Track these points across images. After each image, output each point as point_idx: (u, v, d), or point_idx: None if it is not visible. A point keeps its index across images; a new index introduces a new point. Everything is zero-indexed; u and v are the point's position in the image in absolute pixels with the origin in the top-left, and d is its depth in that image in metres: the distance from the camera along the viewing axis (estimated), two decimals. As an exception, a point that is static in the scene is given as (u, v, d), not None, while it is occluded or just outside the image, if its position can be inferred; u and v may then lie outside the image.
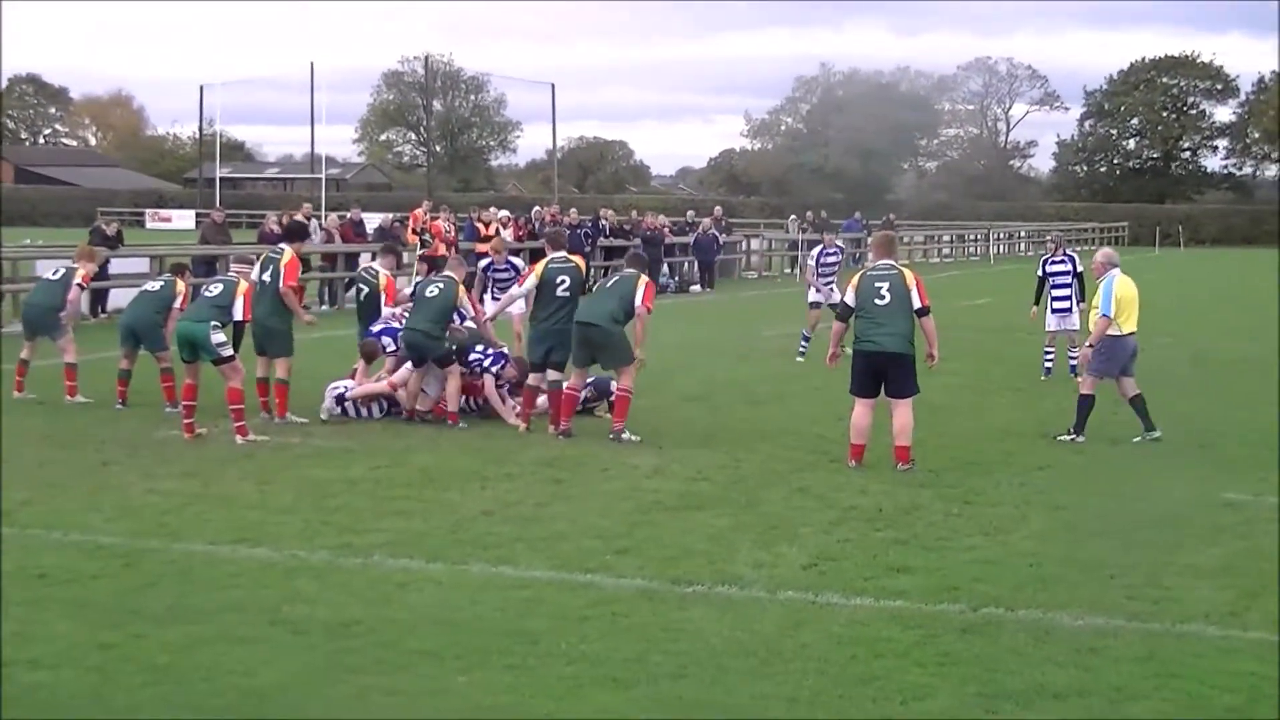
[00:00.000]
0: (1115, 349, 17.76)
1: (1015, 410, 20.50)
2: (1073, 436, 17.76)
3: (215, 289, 17.77)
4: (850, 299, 16.08)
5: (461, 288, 18.86)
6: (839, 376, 16.31)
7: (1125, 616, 10.33)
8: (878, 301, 15.77)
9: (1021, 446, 17.43)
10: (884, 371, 15.77)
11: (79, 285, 20.34)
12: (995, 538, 12.71)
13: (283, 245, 19.66)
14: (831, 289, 26.08)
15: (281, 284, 18.58)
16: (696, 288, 48.64)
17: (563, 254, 18.43)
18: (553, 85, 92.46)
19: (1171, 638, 9.88)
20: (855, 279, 16.22)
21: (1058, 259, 24.46)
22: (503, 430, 18.07)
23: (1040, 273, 24.60)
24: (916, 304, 15.80)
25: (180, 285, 19.26)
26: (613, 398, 18.16)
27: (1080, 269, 24.08)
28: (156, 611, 10.11)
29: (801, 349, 25.64)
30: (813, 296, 26.56)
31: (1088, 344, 18.08)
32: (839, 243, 28.38)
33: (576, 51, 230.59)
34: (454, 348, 18.50)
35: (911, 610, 10.40)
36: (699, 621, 10.06)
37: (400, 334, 18.76)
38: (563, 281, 17.99)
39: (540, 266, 18.35)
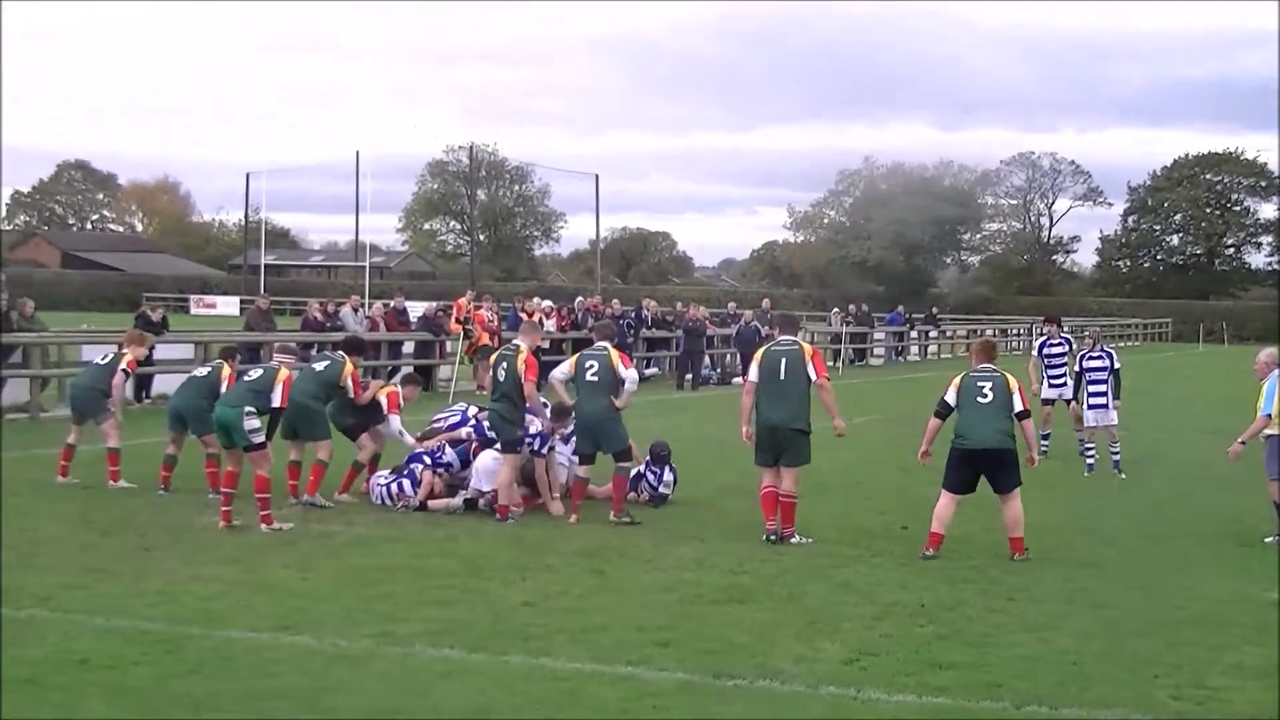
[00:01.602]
0: None
1: (1054, 506, 20.37)
2: (1276, 539, 17.48)
3: (255, 374, 17.94)
4: (951, 398, 16.49)
5: (525, 356, 18.61)
6: (880, 471, 16.33)
7: (1170, 715, 10.26)
8: (980, 400, 16.24)
9: (1061, 542, 17.34)
10: (990, 467, 16.22)
11: (124, 371, 20.44)
12: (1038, 634, 12.64)
13: (341, 354, 19.91)
14: (1064, 383, 26.03)
15: (352, 392, 19.42)
16: (739, 379, 48.57)
17: (602, 344, 18.49)
18: (596, 176, 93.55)
19: (1217, 739, 9.80)
20: (958, 379, 16.64)
21: (1095, 354, 24.74)
22: (544, 520, 18.08)
23: (1078, 368, 24.96)
24: (1018, 407, 16.32)
25: (227, 370, 19.34)
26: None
27: (1118, 365, 24.64)
28: (197, 698, 10.11)
29: (1043, 447, 25.51)
30: (1045, 394, 26.25)
31: (1240, 439, 17.89)
32: (1065, 334, 28.04)
33: (621, 142, 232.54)
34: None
35: (954, 707, 10.35)
36: (739, 715, 10.02)
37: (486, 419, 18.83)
38: (591, 366, 18.12)
39: (575, 358, 18.56)
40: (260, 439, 17.25)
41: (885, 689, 10.75)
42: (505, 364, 18.38)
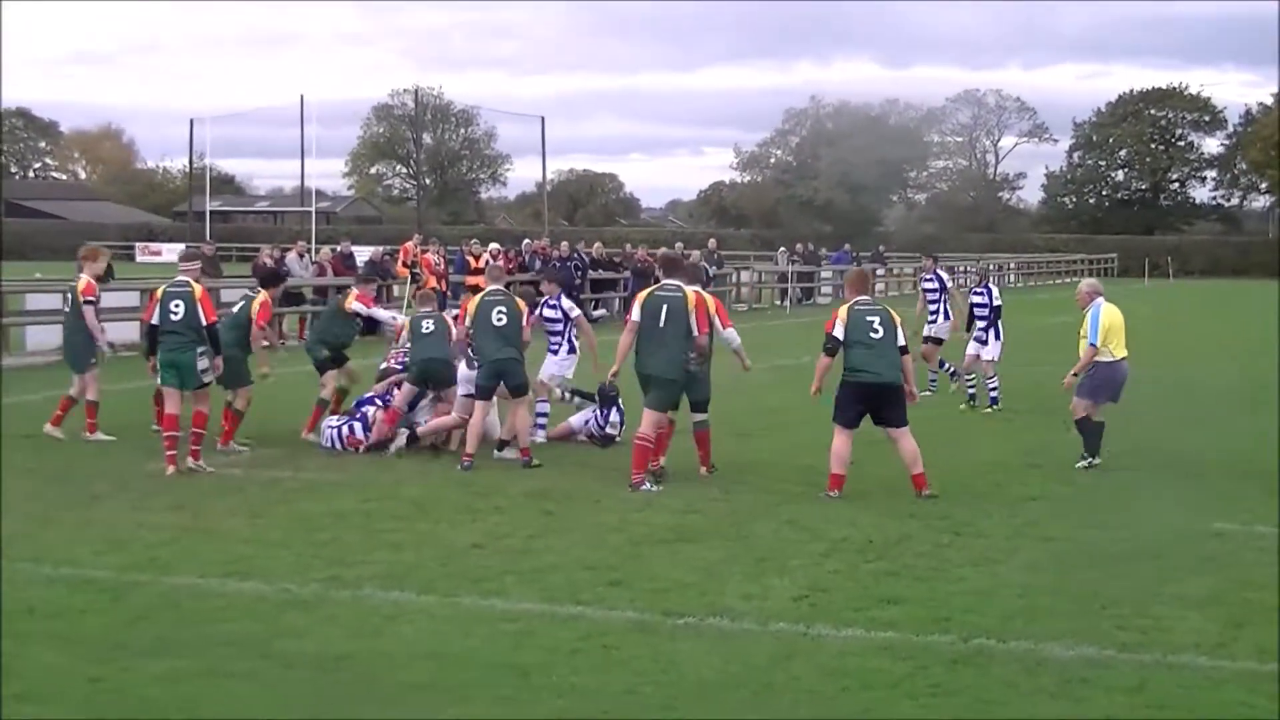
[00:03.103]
0: (1109, 375, 17.96)
1: (1000, 441, 20.52)
2: (1087, 461, 17.85)
3: (180, 310, 17.54)
4: (840, 333, 16.20)
5: (520, 301, 18.88)
6: (826, 408, 16.32)
7: (1116, 647, 10.34)
8: (872, 335, 16.00)
9: (1009, 477, 17.43)
10: (882, 402, 16.01)
11: (87, 301, 19.66)
12: (985, 569, 12.72)
13: (259, 289, 19.88)
14: (934, 320, 26.24)
15: (254, 325, 19.04)
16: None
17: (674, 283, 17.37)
18: (542, 118, 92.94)
19: (1162, 668, 9.89)
20: (843, 313, 16.35)
21: (978, 290, 24.92)
22: (492, 462, 18.05)
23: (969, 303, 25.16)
24: (901, 341, 16.14)
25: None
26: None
27: (999, 302, 24.75)
28: (145, 645, 10.09)
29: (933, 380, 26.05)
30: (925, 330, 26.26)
31: (1073, 372, 18.16)
32: (939, 271, 27.57)
33: (566, 84, 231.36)
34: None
35: (902, 642, 10.40)
36: (690, 654, 10.06)
37: (485, 366, 18.29)
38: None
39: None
40: (208, 379, 17.30)
41: (834, 625, 10.80)
42: (504, 308, 18.27)
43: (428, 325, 19.02)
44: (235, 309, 19.58)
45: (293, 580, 12.00)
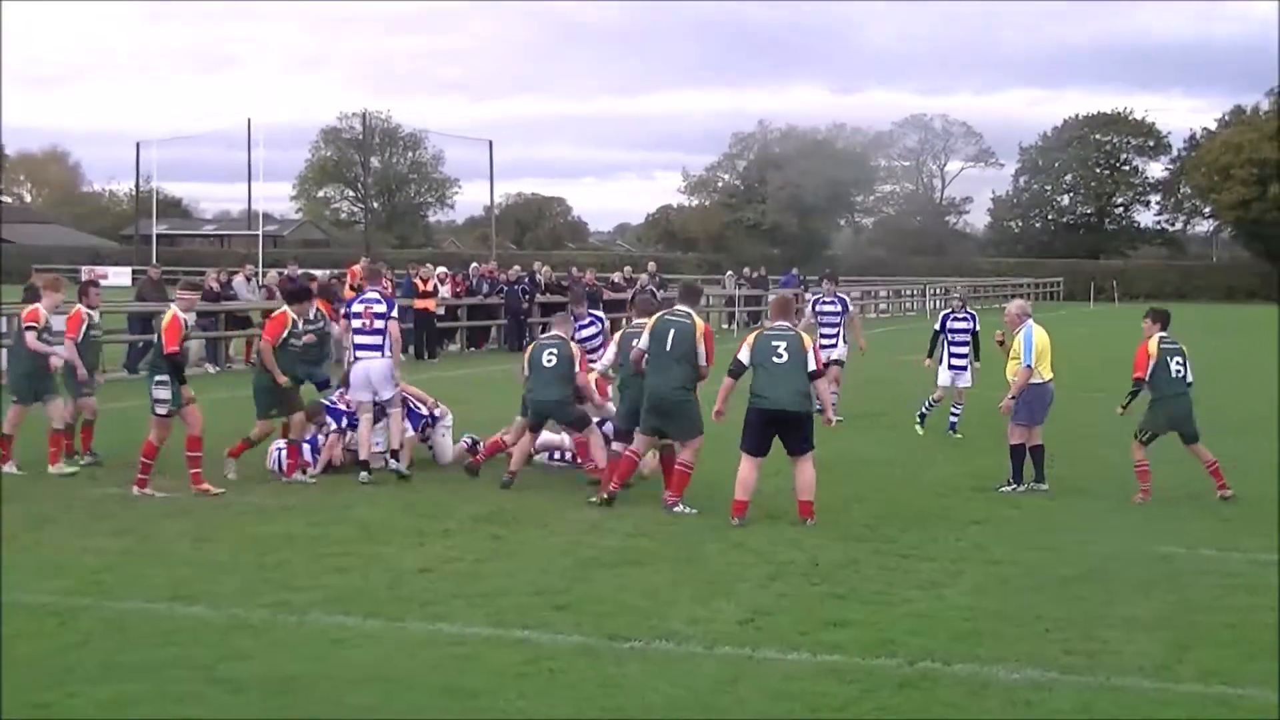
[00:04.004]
0: (1039, 395, 18.23)
1: (951, 465, 20.59)
2: (1012, 487, 17.98)
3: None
4: (744, 356, 16.26)
5: (575, 345, 18.74)
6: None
7: (1060, 670, 10.40)
8: (775, 360, 16.03)
9: (957, 501, 17.52)
10: (786, 428, 16.06)
11: (28, 326, 18.96)
12: (931, 592, 12.78)
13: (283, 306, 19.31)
14: (834, 344, 25.68)
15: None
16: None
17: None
18: (490, 142, 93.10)
19: (1106, 691, 9.96)
20: (751, 338, 16.46)
21: (961, 316, 24.79)
22: (442, 486, 18.03)
23: (938, 327, 24.96)
24: (812, 366, 16.13)
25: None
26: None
27: (978, 328, 24.57)
28: (91, 670, 10.03)
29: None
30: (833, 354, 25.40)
31: (1010, 395, 18.30)
32: (840, 294, 27.46)
33: (516, 108, 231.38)
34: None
35: (848, 665, 10.44)
36: (636, 678, 10.07)
37: (530, 404, 18.35)
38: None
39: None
40: (164, 411, 17.08)
41: (780, 648, 10.83)
42: (556, 350, 18.25)
43: (550, 359, 18.33)
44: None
45: (240, 604, 11.95)
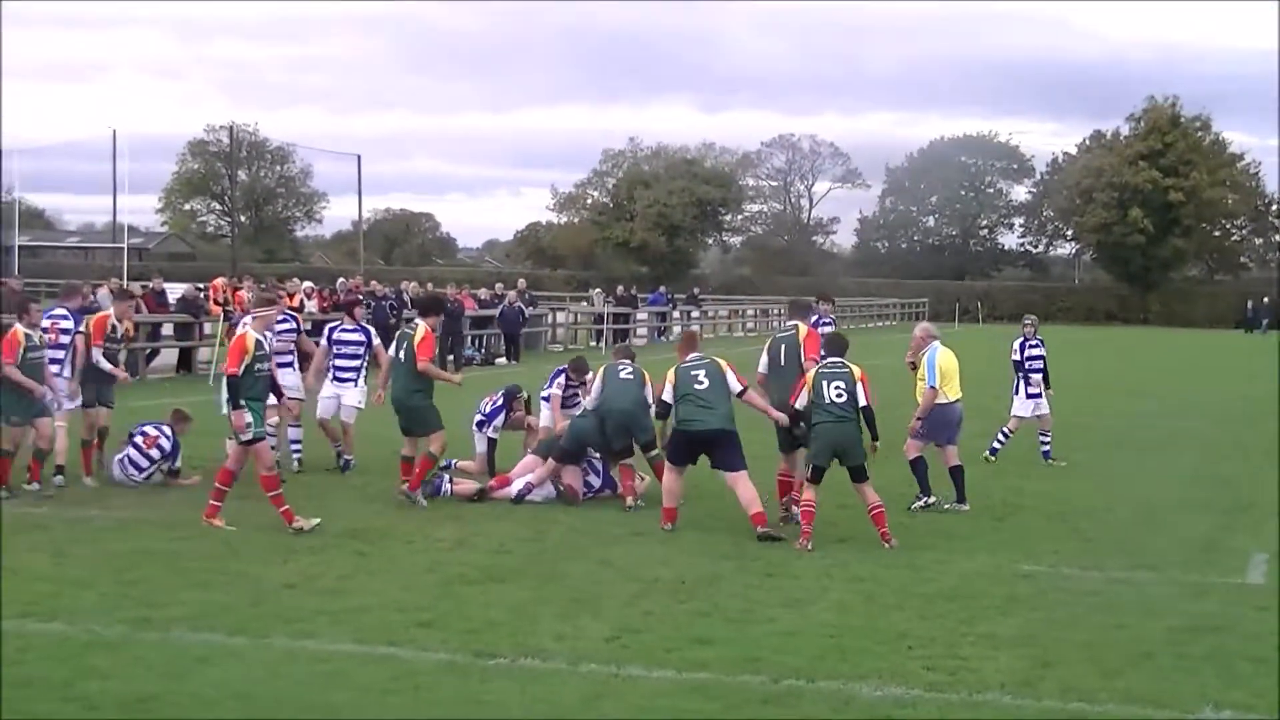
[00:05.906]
0: (944, 415, 18.60)
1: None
2: (923, 501, 18.22)
3: None
4: (668, 396, 16.92)
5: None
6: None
7: (923, 687, 10.49)
8: (697, 387, 16.72)
9: (821, 518, 17.56)
10: (711, 448, 16.67)
11: None
12: (796, 609, 12.84)
13: (416, 320, 18.68)
14: None
15: (417, 362, 17.92)
16: (503, 360, 48.55)
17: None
18: (359, 156, 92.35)
19: (967, 707, 10.05)
20: (671, 375, 17.01)
21: (1035, 342, 24.21)
22: (306, 502, 17.86)
23: (1017, 356, 24.12)
24: (736, 387, 16.93)
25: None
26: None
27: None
28: (-58, 689, 9.85)
29: None
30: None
31: (916, 416, 18.51)
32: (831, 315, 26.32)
33: (385, 123, 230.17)
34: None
35: (714, 682, 10.46)
36: (501, 694, 10.04)
37: (609, 418, 18.29)
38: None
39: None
40: (246, 437, 16.23)
41: (646, 665, 10.84)
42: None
43: (627, 372, 18.62)
44: (401, 355, 18.19)
45: (98, 621, 11.78)
